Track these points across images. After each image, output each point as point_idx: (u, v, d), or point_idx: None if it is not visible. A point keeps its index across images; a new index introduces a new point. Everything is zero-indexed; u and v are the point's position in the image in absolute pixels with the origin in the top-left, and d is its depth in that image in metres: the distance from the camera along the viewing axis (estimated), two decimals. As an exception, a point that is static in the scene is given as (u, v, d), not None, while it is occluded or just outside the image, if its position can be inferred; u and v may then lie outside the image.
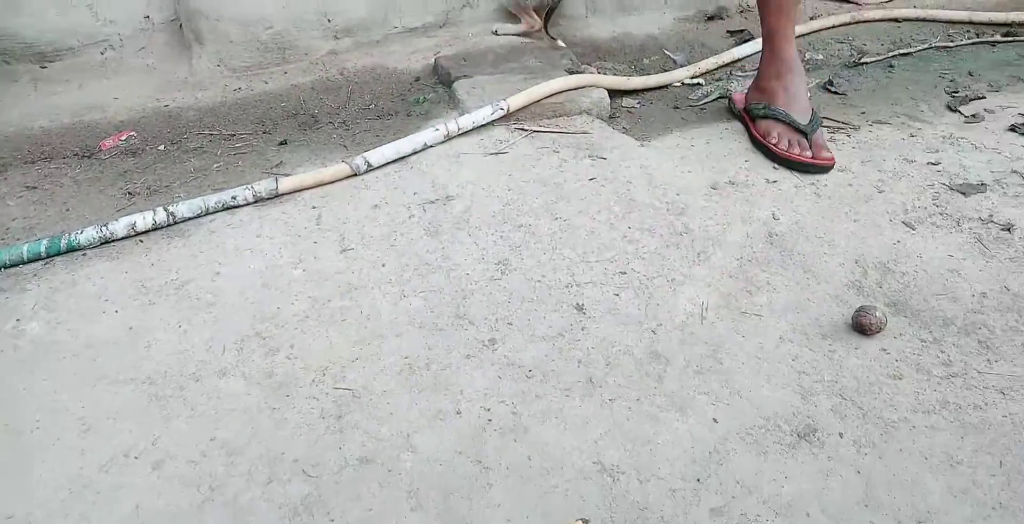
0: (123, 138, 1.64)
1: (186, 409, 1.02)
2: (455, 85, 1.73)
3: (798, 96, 1.54)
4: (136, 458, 0.95)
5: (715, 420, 1.01)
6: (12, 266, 1.26)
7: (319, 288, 1.21)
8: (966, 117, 1.65)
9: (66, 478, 0.93)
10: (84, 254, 1.29)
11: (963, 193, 1.40)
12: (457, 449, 0.98)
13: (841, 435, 0.99)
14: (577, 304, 1.18)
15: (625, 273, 1.24)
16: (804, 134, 1.49)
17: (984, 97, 1.73)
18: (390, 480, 0.94)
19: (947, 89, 1.77)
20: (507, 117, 1.60)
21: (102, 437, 0.98)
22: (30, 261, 1.27)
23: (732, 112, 1.69)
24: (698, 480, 0.94)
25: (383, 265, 1.26)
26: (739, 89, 1.77)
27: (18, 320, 1.16)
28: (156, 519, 0.89)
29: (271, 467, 0.95)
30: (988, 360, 1.08)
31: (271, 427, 1.00)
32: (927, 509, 0.90)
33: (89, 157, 1.60)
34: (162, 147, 1.63)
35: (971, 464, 0.95)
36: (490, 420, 1.01)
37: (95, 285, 1.22)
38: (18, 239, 1.32)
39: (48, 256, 1.27)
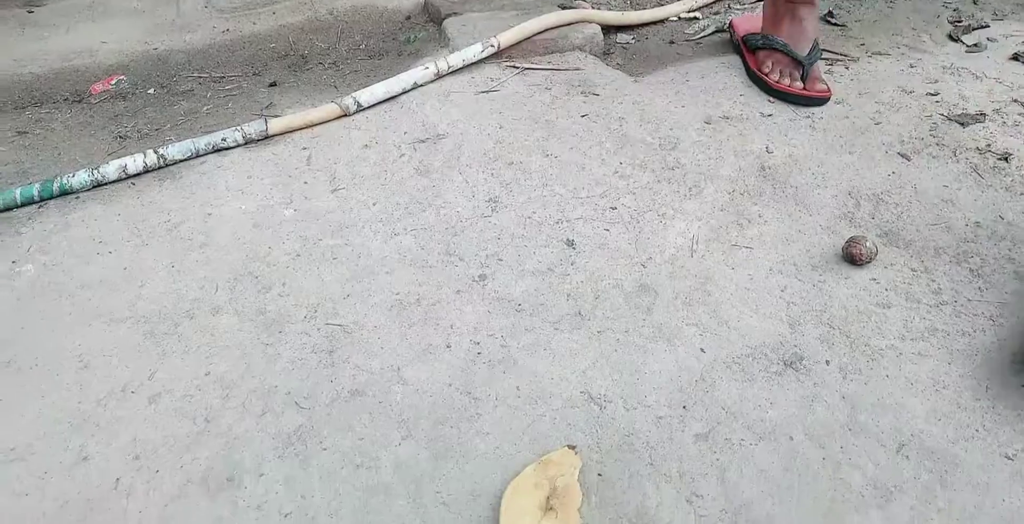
0: (113, 82, 1.63)
1: (180, 345, 1.03)
2: (445, 23, 1.70)
3: (804, 26, 1.49)
4: (133, 393, 0.97)
5: (702, 350, 1.02)
6: (6, 210, 1.27)
7: (310, 227, 1.22)
8: (968, 47, 1.62)
9: (65, 412, 0.95)
10: (77, 197, 1.29)
11: (961, 123, 1.38)
12: (447, 381, 0.99)
13: (827, 362, 1.00)
14: (567, 239, 1.18)
15: (616, 208, 1.23)
16: (802, 66, 1.46)
17: (988, 26, 1.69)
18: (381, 411, 0.96)
19: (950, 18, 1.73)
20: (499, 55, 1.58)
21: (99, 373, 1.00)
22: (23, 205, 1.27)
23: (731, 42, 1.66)
24: (684, 407, 0.96)
25: (374, 204, 1.26)
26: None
27: (14, 262, 1.17)
28: (153, 449, 0.91)
29: (265, 400, 0.97)
30: (979, 288, 1.08)
31: (264, 362, 1.01)
32: (910, 432, 0.92)
33: (79, 102, 1.59)
34: (152, 90, 1.61)
35: (957, 389, 0.96)
36: (479, 353, 1.02)
37: (88, 227, 1.23)
38: (11, 183, 1.32)
39: (41, 200, 1.28)
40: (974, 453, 0.90)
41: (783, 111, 1.44)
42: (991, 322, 1.04)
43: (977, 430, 0.92)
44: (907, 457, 0.89)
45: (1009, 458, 0.89)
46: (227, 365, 1.01)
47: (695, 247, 1.16)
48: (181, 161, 1.35)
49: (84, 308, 1.09)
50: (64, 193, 1.29)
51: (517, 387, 0.98)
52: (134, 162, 1.31)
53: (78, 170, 1.30)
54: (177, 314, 1.08)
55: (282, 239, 1.20)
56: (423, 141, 1.38)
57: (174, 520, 0.84)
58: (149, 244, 1.19)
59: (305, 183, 1.30)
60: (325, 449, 0.92)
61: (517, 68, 1.56)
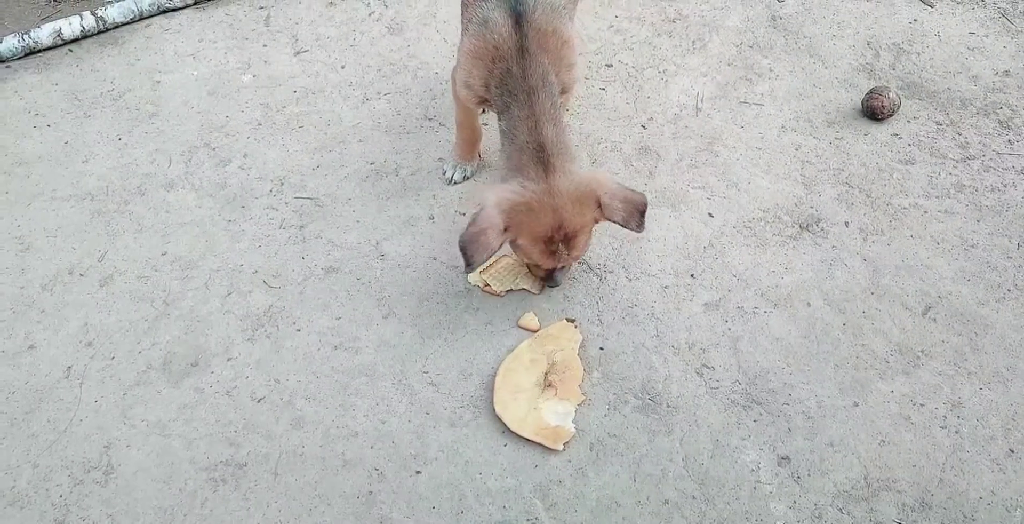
0: (41, -59, 1.44)
1: (132, 224, 0.93)
2: None
3: None
4: (81, 276, 0.88)
5: (710, 214, 0.93)
6: (-72, 83, 1.13)
7: (272, 94, 1.09)
8: None
9: (7, 298, 0.86)
10: (8, 66, 1.15)
11: (990, -36, 1.24)
12: (431, 255, 0.90)
13: (847, 224, 0.91)
14: (558, 100, 1.06)
15: (612, 66, 1.11)
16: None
17: None
18: (360, 288, 0.87)
19: None
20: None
21: (43, 255, 0.90)
22: (-53, 77, 1.13)
23: None
24: (691, 276, 0.87)
25: (342, 67, 1.13)
26: None
27: (-60, 140, 1.04)
28: (107, 335, 0.82)
29: (229, 279, 0.88)
30: (1009, 141, 0.99)
31: (227, 240, 0.92)
32: (937, 294, 0.84)
33: (5, -36, 1.41)
34: (86, -51, 1.43)
35: (986, 247, 0.88)
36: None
37: (23, 99, 1.09)
38: (-68, 54, 1.18)
39: (-33, 71, 1.14)
40: (1006, 313, 0.83)
41: (793, -45, 1.29)
42: (1022, 176, 0.95)
43: (1009, 290, 0.85)
44: (934, 320, 0.82)
45: (1044, 319, 0.82)
46: (185, 244, 0.91)
47: (700, 105, 1.05)
48: (124, 24, 1.20)
49: (22, 186, 0.98)
50: (-8, 63, 1.14)
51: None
52: (70, 26, 1.16)
53: (6, 35, 1.15)
54: (127, 191, 0.97)
55: (241, 107, 1.07)
56: (394, -3, 1.24)
57: (134, 409, 0.77)
58: (92, 116, 1.07)
59: (264, 46, 1.16)
60: (299, 330, 0.84)
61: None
